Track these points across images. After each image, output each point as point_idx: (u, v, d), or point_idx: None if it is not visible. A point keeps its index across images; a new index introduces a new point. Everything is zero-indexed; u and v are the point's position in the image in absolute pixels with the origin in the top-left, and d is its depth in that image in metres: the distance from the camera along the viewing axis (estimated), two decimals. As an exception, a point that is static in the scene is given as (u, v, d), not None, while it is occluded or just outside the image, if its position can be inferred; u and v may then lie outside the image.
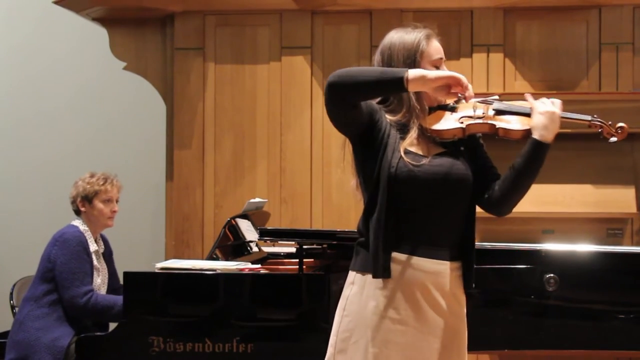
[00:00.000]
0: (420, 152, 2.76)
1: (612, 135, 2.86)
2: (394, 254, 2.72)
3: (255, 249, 4.35)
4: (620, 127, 2.85)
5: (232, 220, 4.34)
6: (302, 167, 5.48)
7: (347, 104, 2.70)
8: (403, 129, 2.78)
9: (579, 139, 5.01)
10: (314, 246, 4.07)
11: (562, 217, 5.03)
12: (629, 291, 3.71)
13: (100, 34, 5.82)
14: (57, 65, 6.49)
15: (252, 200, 4.79)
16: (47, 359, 3.99)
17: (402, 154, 2.73)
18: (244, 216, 4.50)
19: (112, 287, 4.39)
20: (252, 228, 4.43)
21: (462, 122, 2.78)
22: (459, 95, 2.72)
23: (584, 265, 3.74)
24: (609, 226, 5.05)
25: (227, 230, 4.29)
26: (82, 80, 6.47)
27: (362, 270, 2.77)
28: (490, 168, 2.87)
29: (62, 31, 6.44)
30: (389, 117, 2.80)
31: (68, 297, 4.09)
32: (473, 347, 3.79)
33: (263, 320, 3.68)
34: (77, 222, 4.28)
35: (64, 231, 4.23)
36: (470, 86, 2.71)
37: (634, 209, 5.00)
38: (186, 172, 5.54)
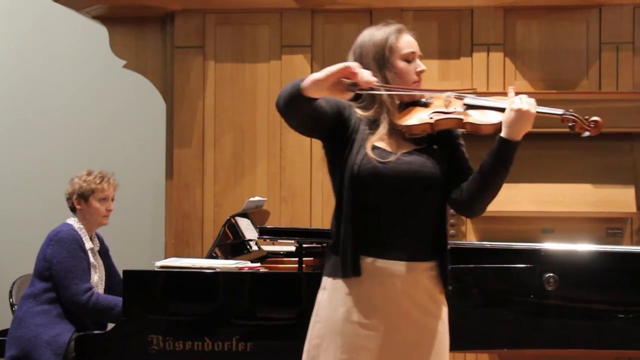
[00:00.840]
0: (388, 149, 2.72)
1: (586, 130, 2.77)
2: (363, 257, 2.68)
3: (254, 247, 4.35)
4: (594, 121, 2.76)
5: (232, 219, 4.34)
6: (301, 166, 5.48)
7: (299, 117, 2.65)
8: (373, 125, 2.74)
9: (579, 138, 5.00)
10: (314, 245, 4.07)
11: (562, 216, 5.03)
12: (629, 291, 3.71)
13: (100, 32, 5.82)
14: (57, 64, 6.49)
15: (251, 199, 4.79)
16: (47, 355, 3.99)
17: (369, 150, 2.68)
18: (243, 215, 4.50)
19: (111, 283, 4.38)
20: (251, 227, 4.43)
21: (431, 118, 2.73)
22: (353, 83, 2.55)
23: (583, 265, 3.74)
24: (609, 226, 5.05)
25: (226, 228, 4.28)
26: (82, 79, 6.47)
27: (332, 275, 2.73)
28: (465, 169, 2.80)
29: (62, 29, 6.44)
30: (360, 113, 2.76)
31: (69, 296, 4.08)
32: (473, 346, 3.80)
33: (263, 319, 3.68)
34: (72, 220, 4.27)
35: (58, 230, 4.21)
36: (363, 72, 2.56)
37: (633, 209, 5.00)
38: (186, 171, 5.54)
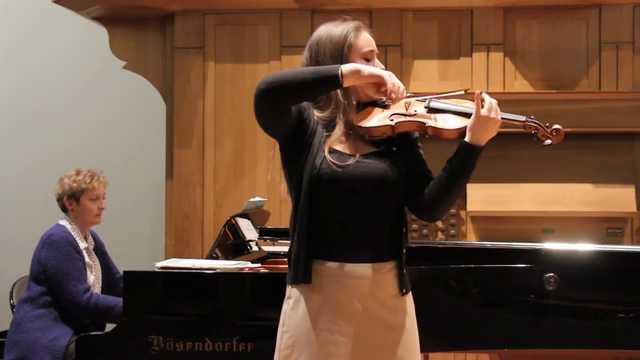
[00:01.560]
0: (347, 151, 2.66)
1: (547, 138, 2.71)
2: (322, 262, 2.64)
3: (255, 248, 4.35)
4: (556, 130, 2.71)
5: (232, 220, 4.34)
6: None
7: (280, 109, 2.61)
8: (330, 127, 2.68)
9: (579, 138, 5.02)
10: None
11: (562, 216, 5.03)
12: (629, 290, 3.71)
13: (100, 33, 5.82)
14: (57, 65, 6.49)
15: (252, 199, 4.79)
16: (46, 358, 3.99)
17: (326, 153, 2.63)
18: (244, 215, 4.50)
19: (109, 280, 4.37)
20: (252, 227, 4.43)
21: (392, 120, 2.67)
22: (388, 96, 2.60)
23: (583, 265, 3.74)
24: (609, 225, 5.05)
25: (227, 229, 4.28)
26: (82, 80, 6.47)
27: (294, 282, 2.69)
28: (424, 172, 2.74)
29: (62, 30, 6.43)
30: (317, 114, 2.70)
31: (68, 298, 4.08)
32: (473, 346, 3.81)
33: (263, 320, 3.68)
34: (64, 222, 4.25)
35: (50, 232, 4.20)
36: (400, 88, 2.59)
37: (633, 208, 5.00)
38: (186, 171, 5.54)
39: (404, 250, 2.72)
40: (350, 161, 2.64)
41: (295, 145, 2.69)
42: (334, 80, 2.55)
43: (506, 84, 5.36)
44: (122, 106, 6.44)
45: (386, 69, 2.80)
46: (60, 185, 4.30)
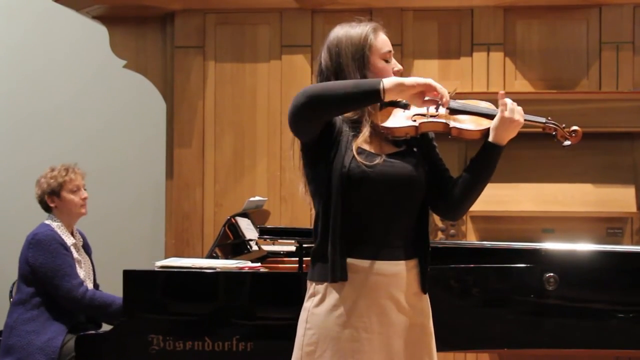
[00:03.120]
0: (373, 151, 2.69)
1: (566, 139, 2.80)
2: (352, 260, 2.66)
3: (255, 247, 4.35)
4: (574, 131, 2.79)
5: (232, 219, 4.34)
6: (302, 166, 5.47)
7: (320, 121, 2.64)
8: (355, 126, 2.70)
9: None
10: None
11: (562, 216, 5.03)
12: (629, 290, 3.71)
13: (100, 32, 5.82)
14: (57, 64, 6.49)
15: (252, 199, 4.79)
16: None
17: (355, 153, 2.65)
18: (243, 215, 4.50)
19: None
20: (252, 226, 4.43)
21: (415, 120, 2.70)
22: (437, 101, 2.62)
23: (583, 265, 3.74)
24: (609, 225, 5.05)
25: (227, 228, 4.28)
26: (82, 79, 6.47)
27: (321, 280, 2.69)
28: (443, 171, 2.79)
29: (62, 29, 6.44)
30: (342, 115, 2.72)
31: (63, 293, 4.07)
32: (473, 346, 3.81)
33: (263, 319, 3.68)
34: (48, 221, 4.25)
35: (35, 232, 4.19)
36: (445, 92, 2.62)
37: (634, 208, 5.00)
38: (186, 171, 5.54)
39: (429, 249, 2.76)
40: (378, 160, 2.67)
41: (322, 145, 2.71)
42: (376, 94, 2.57)
43: (506, 84, 5.37)
44: (122, 106, 6.44)
45: None
46: (38, 187, 4.29)
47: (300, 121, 2.67)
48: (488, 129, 2.71)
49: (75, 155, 6.15)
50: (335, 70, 2.75)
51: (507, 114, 2.68)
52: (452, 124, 2.71)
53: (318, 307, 2.70)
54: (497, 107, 2.73)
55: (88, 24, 5.90)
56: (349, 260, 2.67)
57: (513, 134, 2.72)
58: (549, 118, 2.80)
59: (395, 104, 2.75)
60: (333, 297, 2.67)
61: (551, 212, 5.04)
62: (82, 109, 6.47)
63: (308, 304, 2.73)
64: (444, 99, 2.62)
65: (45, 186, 4.26)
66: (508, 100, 2.70)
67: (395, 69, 2.79)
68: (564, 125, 2.80)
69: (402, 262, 2.70)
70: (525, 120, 2.73)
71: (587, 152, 5.09)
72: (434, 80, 2.62)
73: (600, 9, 5.35)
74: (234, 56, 5.54)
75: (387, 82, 2.58)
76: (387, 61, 2.76)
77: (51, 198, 4.26)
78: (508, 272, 3.69)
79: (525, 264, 3.70)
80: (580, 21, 5.38)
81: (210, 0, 5.52)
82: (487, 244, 4.01)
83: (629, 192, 5.03)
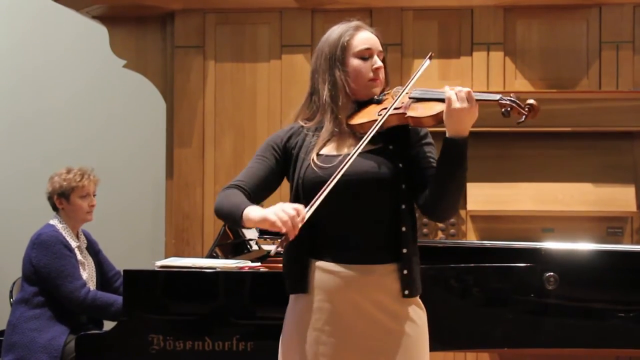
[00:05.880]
0: (335, 152, 2.67)
1: (522, 114, 2.58)
2: (317, 262, 2.66)
3: (255, 247, 4.35)
4: (530, 105, 2.58)
5: (232, 219, 4.33)
6: (302, 166, 5.47)
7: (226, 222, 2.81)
8: (320, 130, 2.71)
9: (579, 138, 5.02)
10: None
11: (562, 215, 5.03)
12: (629, 290, 3.70)
13: (100, 32, 5.82)
14: (57, 64, 6.49)
15: (252, 199, 4.78)
16: (44, 359, 3.98)
17: (313, 158, 2.65)
18: (244, 214, 4.49)
19: (104, 277, 4.36)
20: (252, 226, 4.43)
21: (380, 114, 2.65)
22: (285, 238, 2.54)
23: (583, 264, 3.74)
24: (609, 225, 5.05)
25: (227, 228, 4.28)
26: (82, 79, 6.47)
27: (290, 290, 2.76)
28: (425, 169, 2.70)
29: (62, 29, 6.44)
30: (307, 125, 2.73)
31: (65, 295, 4.07)
32: (473, 346, 3.80)
33: (263, 319, 3.68)
34: (54, 221, 4.25)
35: (40, 232, 4.19)
36: (290, 221, 2.49)
37: (633, 208, 5.00)
38: (186, 170, 5.54)
39: (405, 251, 2.67)
40: (335, 162, 2.63)
41: (289, 166, 2.77)
42: (238, 221, 2.62)
43: (506, 84, 5.36)
44: (122, 106, 6.44)
45: (387, 68, 2.81)
46: (50, 184, 4.30)
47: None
48: (441, 113, 2.59)
49: (76, 155, 6.18)
50: (312, 72, 2.78)
51: (454, 105, 2.55)
52: (408, 113, 2.64)
53: (290, 309, 2.77)
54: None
55: (88, 24, 5.90)
56: (313, 262, 2.67)
57: (472, 121, 2.58)
58: (511, 95, 2.63)
59: (371, 101, 2.72)
60: (300, 299, 2.72)
61: (551, 212, 5.04)
62: (82, 109, 6.47)
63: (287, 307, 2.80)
64: (290, 234, 2.51)
65: (57, 186, 4.27)
66: (451, 92, 2.58)
67: (375, 66, 2.74)
68: (519, 99, 2.61)
69: (372, 266, 2.65)
70: (478, 100, 2.58)
71: (587, 151, 5.09)
72: (281, 210, 2.53)
73: (600, 8, 5.35)
74: (234, 56, 5.54)
75: (246, 218, 2.59)
76: (364, 59, 2.72)
77: (60, 200, 4.27)
78: (508, 272, 3.69)
79: (525, 263, 3.69)
80: (580, 21, 5.38)
81: (210, 0, 5.51)
82: (487, 243, 4.01)
83: (629, 191, 5.03)
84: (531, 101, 2.60)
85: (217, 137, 5.53)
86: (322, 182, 2.58)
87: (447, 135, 2.59)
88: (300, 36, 5.48)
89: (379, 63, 2.75)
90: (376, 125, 2.62)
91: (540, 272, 3.66)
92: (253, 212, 2.59)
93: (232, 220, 2.66)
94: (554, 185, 5.07)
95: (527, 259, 3.71)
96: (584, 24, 5.38)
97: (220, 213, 2.71)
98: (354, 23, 2.78)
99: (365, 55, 2.73)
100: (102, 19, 5.68)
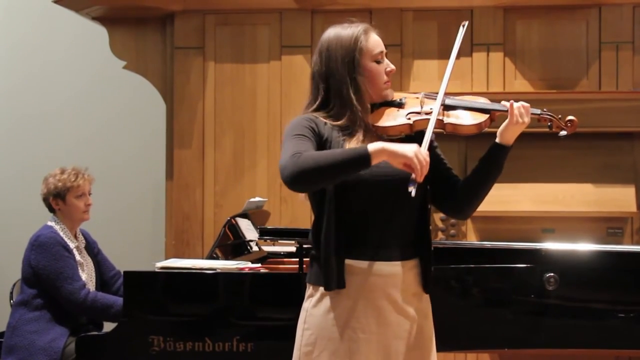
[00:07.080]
0: None
1: (562, 129, 2.81)
2: (349, 262, 2.67)
3: (255, 248, 4.35)
4: (570, 121, 2.82)
5: (232, 220, 4.34)
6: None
7: (312, 189, 2.66)
8: (346, 131, 2.70)
9: (579, 138, 5.01)
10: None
11: (562, 216, 5.03)
12: (629, 290, 3.71)
13: (100, 33, 5.82)
14: (56, 65, 6.49)
15: (252, 200, 4.79)
16: None
17: None
18: (244, 215, 4.50)
19: (104, 277, 4.36)
20: (252, 227, 4.43)
21: (409, 118, 2.69)
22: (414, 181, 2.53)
23: (584, 264, 3.74)
24: (609, 225, 5.05)
25: (227, 229, 4.29)
26: (82, 80, 6.47)
27: (318, 283, 2.71)
28: (447, 170, 2.82)
29: (62, 30, 6.44)
30: (331, 123, 2.70)
31: (65, 296, 4.07)
32: (473, 346, 3.81)
33: (263, 320, 3.68)
34: (52, 223, 4.24)
35: (38, 234, 4.18)
36: (423, 171, 2.52)
37: (634, 208, 5.00)
38: (186, 171, 5.54)
39: (431, 248, 2.77)
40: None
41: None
42: (364, 162, 2.52)
43: (506, 84, 5.37)
44: (122, 106, 6.44)
45: None
46: (45, 185, 4.28)
47: (296, 189, 2.62)
48: (483, 122, 2.72)
49: (76, 156, 6.18)
50: (325, 75, 2.74)
51: (518, 119, 2.72)
52: (446, 120, 2.71)
53: (315, 307, 2.71)
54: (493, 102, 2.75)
55: (88, 25, 5.90)
56: (347, 261, 2.68)
57: (519, 132, 2.75)
58: (545, 109, 2.82)
59: (389, 104, 2.75)
60: (331, 297, 2.69)
61: (551, 212, 5.04)
62: (82, 110, 6.47)
63: (306, 305, 2.75)
64: (418, 177, 2.52)
65: (52, 187, 4.25)
66: (515, 106, 2.73)
67: (388, 69, 2.79)
68: (559, 116, 2.82)
69: (399, 263, 2.70)
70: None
71: (587, 152, 5.09)
72: (419, 151, 2.53)
73: (600, 9, 5.35)
74: (234, 57, 5.54)
75: (372, 148, 2.51)
76: (378, 62, 2.75)
77: (56, 201, 4.25)
78: (508, 272, 3.69)
79: (525, 264, 3.70)
80: (580, 21, 5.38)
81: (210, 1, 5.52)
82: (487, 244, 4.01)
83: (629, 192, 5.03)
84: (571, 117, 2.82)
85: (217, 138, 5.53)
86: (360, 180, 2.61)
87: (497, 141, 2.74)
88: (300, 37, 5.49)
89: (392, 66, 2.80)
90: (431, 127, 2.67)
91: (541, 273, 3.66)
92: (385, 144, 2.52)
93: (348, 166, 2.52)
94: (554, 186, 5.07)
95: (527, 259, 3.71)
96: (584, 24, 5.38)
97: (315, 172, 2.53)
98: (363, 25, 2.79)
99: (379, 58, 2.76)
100: (102, 20, 5.68)
